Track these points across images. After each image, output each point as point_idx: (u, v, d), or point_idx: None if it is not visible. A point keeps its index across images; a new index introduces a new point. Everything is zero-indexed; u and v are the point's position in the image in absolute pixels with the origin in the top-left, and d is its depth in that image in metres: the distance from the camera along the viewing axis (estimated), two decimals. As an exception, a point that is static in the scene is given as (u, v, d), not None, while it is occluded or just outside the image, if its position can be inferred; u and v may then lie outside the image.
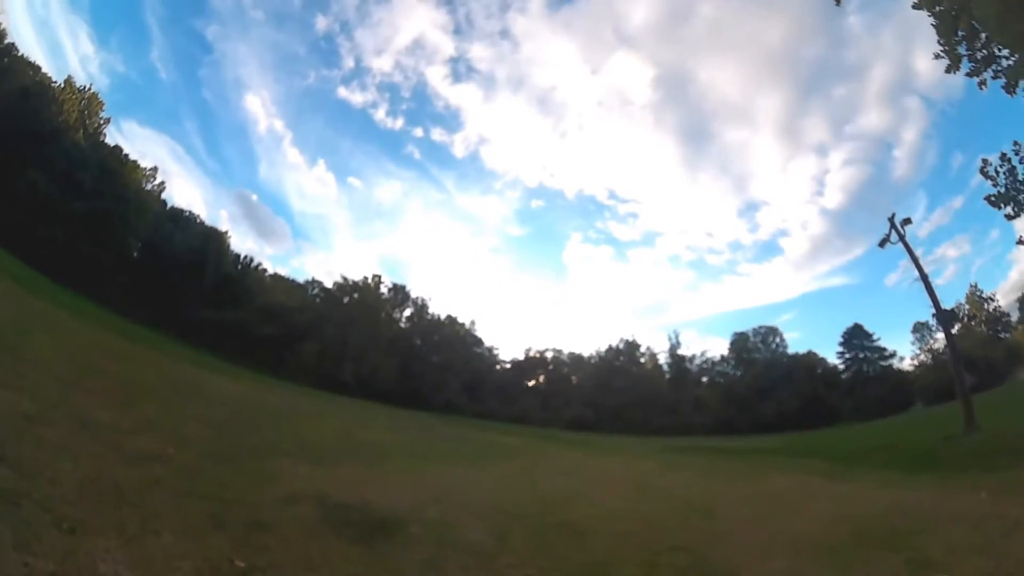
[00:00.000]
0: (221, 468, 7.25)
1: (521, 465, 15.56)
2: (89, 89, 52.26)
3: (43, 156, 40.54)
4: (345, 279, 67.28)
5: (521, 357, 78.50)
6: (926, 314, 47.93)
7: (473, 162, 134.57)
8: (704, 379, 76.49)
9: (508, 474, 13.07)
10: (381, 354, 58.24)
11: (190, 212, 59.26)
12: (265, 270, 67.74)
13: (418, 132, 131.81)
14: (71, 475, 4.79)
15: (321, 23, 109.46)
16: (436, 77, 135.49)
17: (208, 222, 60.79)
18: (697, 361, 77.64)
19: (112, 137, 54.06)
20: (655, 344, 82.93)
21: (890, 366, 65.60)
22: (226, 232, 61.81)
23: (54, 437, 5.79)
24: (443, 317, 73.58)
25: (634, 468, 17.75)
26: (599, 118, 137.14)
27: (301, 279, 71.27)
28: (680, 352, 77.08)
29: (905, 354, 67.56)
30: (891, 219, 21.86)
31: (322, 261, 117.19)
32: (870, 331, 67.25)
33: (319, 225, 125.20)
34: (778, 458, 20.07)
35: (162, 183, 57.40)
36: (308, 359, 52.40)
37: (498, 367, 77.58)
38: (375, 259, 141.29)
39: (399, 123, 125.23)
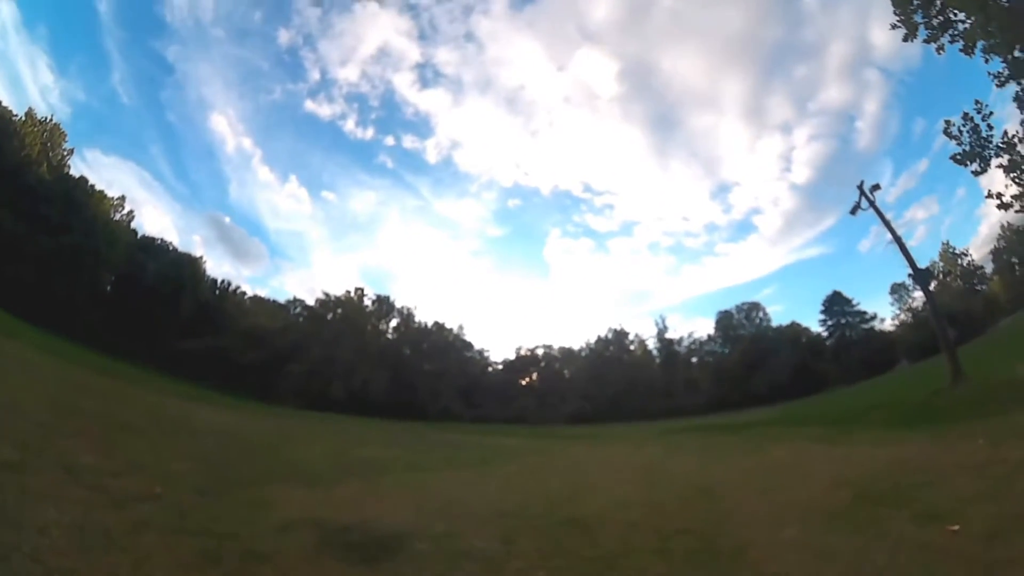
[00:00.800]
0: (212, 502, 7.10)
1: (524, 466, 15.53)
2: (51, 120, 51.15)
3: (7, 192, 39.77)
4: (327, 295, 67.32)
5: (513, 357, 79.19)
6: (902, 275, 49.64)
7: (447, 167, 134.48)
8: (694, 360, 77.74)
9: (512, 476, 13.00)
10: (370, 368, 57.92)
11: (162, 240, 58.50)
12: (244, 293, 67.23)
13: (389, 140, 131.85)
14: (59, 523, 4.65)
15: (284, 37, 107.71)
16: (404, 84, 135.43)
17: (181, 248, 60.09)
18: (685, 343, 79.07)
19: (77, 168, 53.39)
20: (643, 331, 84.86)
21: (872, 328, 67.86)
22: (200, 257, 61.34)
23: (39, 485, 5.65)
24: (431, 324, 73.87)
25: (636, 455, 17.87)
26: (568, 114, 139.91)
27: (282, 299, 71.34)
28: (668, 336, 78.63)
29: (886, 315, 70.44)
30: (860, 187, 22.50)
31: (302, 279, 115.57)
32: (849, 297, 69.83)
33: (296, 242, 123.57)
34: (774, 429, 20.47)
35: (131, 212, 56.53)
36: (296, 380, 51.76)
37: (491, 369, 78.09)
38: (356, 272, 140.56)
39: (369, 133, 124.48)
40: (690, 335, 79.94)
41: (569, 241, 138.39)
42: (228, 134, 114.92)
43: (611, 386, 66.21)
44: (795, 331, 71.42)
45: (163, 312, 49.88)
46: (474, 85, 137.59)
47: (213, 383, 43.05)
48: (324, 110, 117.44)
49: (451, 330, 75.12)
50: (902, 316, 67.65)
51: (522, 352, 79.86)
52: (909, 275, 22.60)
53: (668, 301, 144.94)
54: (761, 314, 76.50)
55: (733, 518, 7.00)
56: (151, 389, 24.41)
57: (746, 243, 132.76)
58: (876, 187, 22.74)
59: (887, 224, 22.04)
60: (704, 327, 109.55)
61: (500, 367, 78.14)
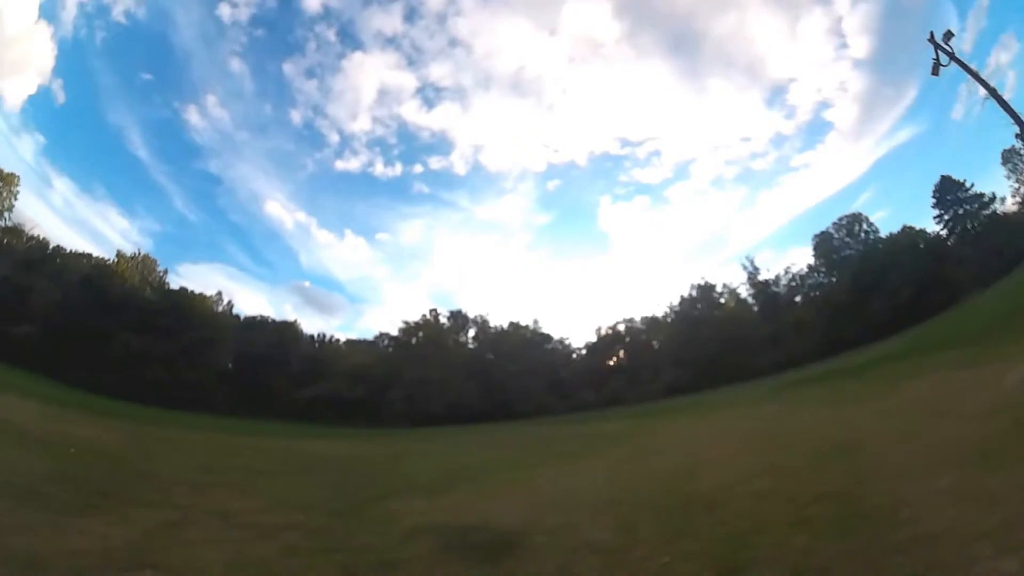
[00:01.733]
0: (345, 521, 7.78)
1: (629, 449, 15.13)
2: (140, 253, 62.61)
3: (125, 319, 49.32)
4: (407, 323, 70.99)
5: (594, 339, 76.69)
6: (1010, 137, 38.93)
7: (477, 173, 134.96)
8: (797, 299, 67.16)
9: (618, 461, 12.71)
10: (459, 380, 60.63)
11: (260, 316, 68.39)
12: (338, 340, 75.14)
13: (417, 169, 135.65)
14: (218, 561, 5.35)
15: (295, 116, 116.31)
16: (411, 113, 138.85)
17: (277, 318, 69.71)
18: (783, 281, 68.32)
19: (175, 282, 63.92)
20: (731, 279, 75.71)
21: (995, 212, 54.10)
22: (295, 321, 71.02)
23: (197, 535, 6.50)
24: (506, 327, 74.50)
25: (752, 418, 16.70)
26: (577, 74, 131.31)
27: (370, 336, 76.60)
28: (761, 278, 68.54)
29: (1004, 193, 54.95)
30: (931, 39, 19.00)
31: (382, 315, 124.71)
32: (960, 180, 55.87)
33: (367, 285, 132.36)
34: (906, 362, 18.13)
35: (229, 302, 67.48)
36: (398, 404, 55.65)
37: (575, 356, 76.67)
38: (426, 295, 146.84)
39: (398, 169, 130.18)
40: (786, 271, 68.23)
41: (622, 204, 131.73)
42: (283, 214, 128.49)
43: (706, 348, 59.65)
44: (909, 237, 58.59)
45: (276, 373, 58.70)
46: (475, 85, 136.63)
47: (328, 421, 48.92)
48: (352, 164, 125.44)
49: (527, 327, 75.01)
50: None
51: (603, 332, 76.53)
52: (1017, 135, 18.82)
53: (751, 239, 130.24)
54: (864, 226, 64.26)
55: (877, 473, 6.24)
56: (279, 438, 27.88)
57: (824, 146, 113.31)
58: (949, 35, 18.98)
59: (975, 76, 18.56)
60: (801, 258, 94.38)
61: (584, 352, 76.03)
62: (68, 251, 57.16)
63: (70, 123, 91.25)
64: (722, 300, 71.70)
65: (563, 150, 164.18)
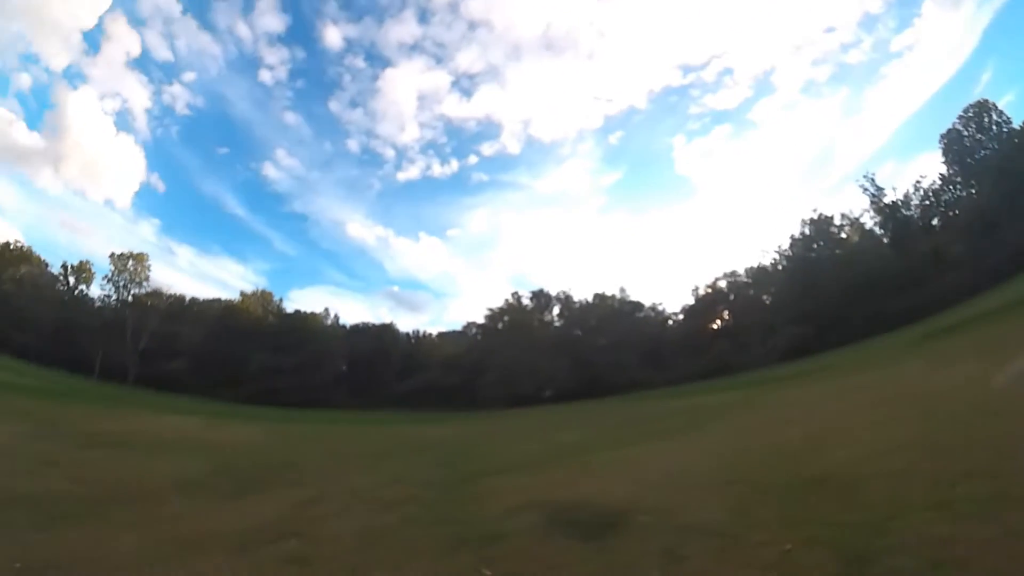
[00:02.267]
0: (454, 496, 8.42)
1: (741, 422, 14.10)
2: (258, 289, 78.11)
3: (256, 343, 63.65)
4: (491, 309, 72.74)
5: (692, 301, 69.40)
6: None
7: (532, 147, 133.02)
8: (934, 221, 53.77)
9: (730, 436, 11.96)
10: (549, 358, 60.62)
11: (363, 323, 78.38)
12: (430, 334, 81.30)
13: (472, 160, 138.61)
14: (348, 530, 6.19)
15: (352, 144, 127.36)
16: (453, 107, 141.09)
17: (376, 322, 78.72)
18: (914, 201, 54.32)
19: (289, 307, 77.31)
20: (849, 206, 64.20)
21: None
22: (391, 323, 79.09)
23: (331, 509, 7.55)
24: (590, 300, 72.03)
25: (889, 379, 14.67)
26: (610, 11, 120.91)
27: (458, 327, 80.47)
28: (887, 200, 55.06)
29: None
30: None
31: (467, 304, 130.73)
32: None
33: (448, 280, 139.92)
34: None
35: (335, 315, 78.67)
36: (492, 388, 57.77)
37: (671, 323, 70.84)
38: (506, 280, 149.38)
39: (454, 165, 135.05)
40: (916, 187, 54.08)
41: (699, 141, 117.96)
42: (363, 231, 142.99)
43: (828, 296, 49.22)
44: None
45: (381, 369, 67.68)
46: (506, 59, 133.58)
47: (429, 408, 53.57)
48: (412, 172, 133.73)
49: (613, 297, 71.53)
50: None
51: (701, 292, 68.13)
52: None
53: (864, 151, 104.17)
54: (992, 114, 51.48)
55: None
56: (389, 425, 31.28)
57: (922, 20, 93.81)
58: None
59: None
60: (931, 166, 77.59)
61: (681, 317, 69.47)
62: (201, 299, 74.28)
63: (174, 203, 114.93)
64: (843, 235, 58.24)
65: (617, 97, 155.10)
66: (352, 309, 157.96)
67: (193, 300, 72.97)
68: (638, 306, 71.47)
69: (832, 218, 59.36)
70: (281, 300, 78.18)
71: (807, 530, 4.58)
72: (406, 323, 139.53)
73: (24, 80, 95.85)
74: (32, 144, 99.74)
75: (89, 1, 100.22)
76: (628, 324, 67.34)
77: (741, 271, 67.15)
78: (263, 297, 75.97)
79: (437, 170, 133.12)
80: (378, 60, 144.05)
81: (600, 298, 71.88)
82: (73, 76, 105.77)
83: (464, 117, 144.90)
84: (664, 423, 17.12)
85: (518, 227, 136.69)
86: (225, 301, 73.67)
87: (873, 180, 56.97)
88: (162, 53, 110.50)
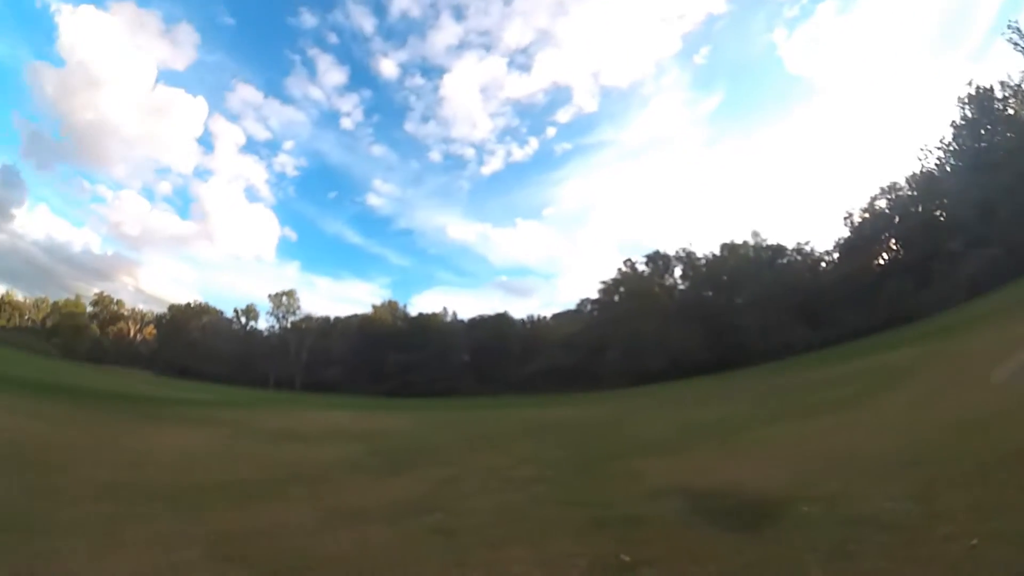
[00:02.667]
0: (588, 478, 8.38)
1: (923, 385, 11.78)
2: (386, 300, 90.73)
3: (390, 346, 73.27)
4: (604, 282, 69.46)
5: (847, 233, 53.83)
6: None
7: (608, 98, 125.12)
8: None
9: (910, 404, 10.07)
10: (677, 326, 54.75)
11: (479, 316, 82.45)
12: (544, 317, 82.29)
13: (550, 132, 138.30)
14: (486, 507, 6.54)
15: (435, 155, 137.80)
16: (517, 88, 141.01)
17: (491, 313, 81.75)
18: None
19: (413, 311, 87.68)
20: (1004, 71, 45.72)
21: None
22: (505, 312, 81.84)
23: (470, 487, 8.05)
24: (717, 253, 62.17)
25: None
26: None
27: (572, 305, 79.19)
28: None
29: None
30: None
31: (576, 281, 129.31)
32: None
33: (553, 260, 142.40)
34: None
35: (453, 312, 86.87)
36: (615, 364, 55.55)
37: (824, 265, 56.47)
38: (616, 249, 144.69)
39: (534, 144, 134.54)
40: None
41: (802, 27, 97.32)
42: (463, 231, 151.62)
43: (1018, 197, 35.58)
44: None
45: (501, 357, 71.02)
46: (552, 18, 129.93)
47: (551, 390, 54.04)
48: (495, 163, 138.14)
49: (744, 244, 60.53)
50: None
51: (856, 219, 52.72)
52: None
53: None
54: None
55: None
56: (514, 408, 32.25)
57: None
58: None
59: None
60: None
61: (836, 256, 55.70)
62: (342, 317, 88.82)
63: (306, 246, 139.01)
64: (1009, 110, 43.23)
65: (689, 9, 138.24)
66: (466, 304, 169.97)
67: (336, 318, 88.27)
68: (778, 251, 58.30)
69: (992, 90, 43.73)
70: (405, 306, 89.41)
71: (999, 522, 3.78)
72: (519, 310, 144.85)
73: (165, 187, 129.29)
74: (188, 229, 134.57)
75: (192, 114, 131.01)
76: (769, 275, 55.07)
77: (901, 182, 51.04)
78: (390, 306, 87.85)
79: (518, 154, 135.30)
80: (433, 71, 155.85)
81: (729, 249, 61.21)
82: (202, 173, 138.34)
83: (530, 93, 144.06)
84: (825, 393, 14.76)
85: (615, 188, 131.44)
86: (361, 315, 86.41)
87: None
88: (261, 134, 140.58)
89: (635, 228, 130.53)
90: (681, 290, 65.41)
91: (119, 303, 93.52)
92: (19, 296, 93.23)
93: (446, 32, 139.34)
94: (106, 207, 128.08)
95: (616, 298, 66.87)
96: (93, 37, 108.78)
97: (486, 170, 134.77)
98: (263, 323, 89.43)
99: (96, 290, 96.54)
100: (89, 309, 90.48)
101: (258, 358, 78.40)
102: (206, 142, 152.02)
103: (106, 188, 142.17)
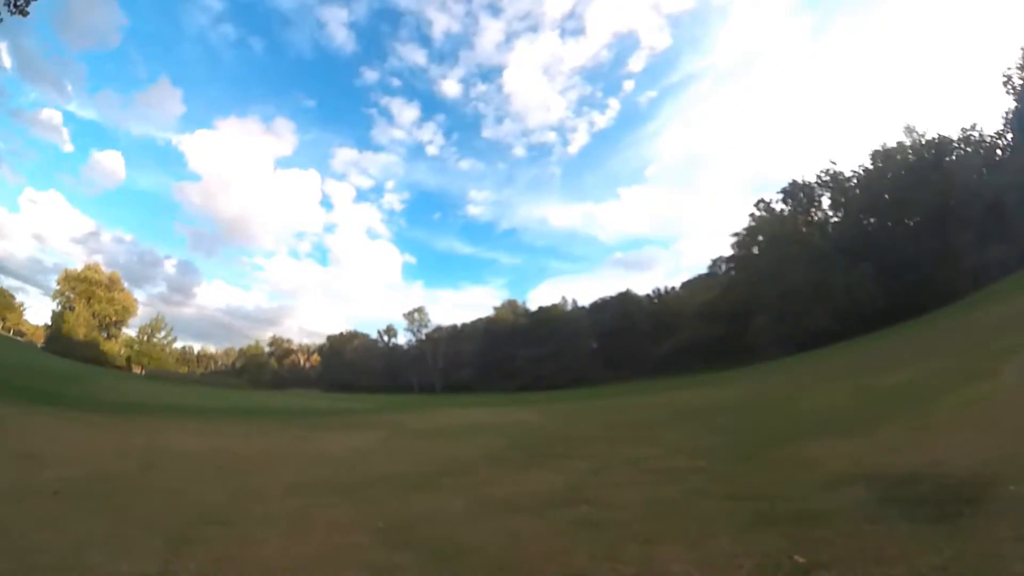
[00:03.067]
0: (751, 467, 7.58)
1: None
2: (506, 300, 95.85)
3: (517, 342, 75.87)
4: (737, 233, 59.12)
5: (1012, 102, 41.72)
6: None
7: (679, 27, 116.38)
8: None
9: None
10: (838, 271, 44.48)
11: (600, 299, 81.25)
12: (673, 288, 77.32)
13: (628, 86, 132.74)
14: (636, 500, 6.24)
15: (519, 151, 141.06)
16: (576, 55, 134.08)
17: (612, 294, 79.61)
18: None
19: (532, 305, 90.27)
20: None
21: None
22: (627, 290, 79.33)
23: (615, 479, 7.81)
24: (869, 165, 48.41)
25: None
26: None
27: (703, 269, 71.47)
28: None
29: None
30: None
31: (699, 243, 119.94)
32: None
33: (670, 222, 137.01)
34: None
35: (573, 300, 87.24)
36: (768, 330, 48.03)
37: (998, 153, 43.72)
38: (741, 192, 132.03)
39: (614, 105, 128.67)
40: None
41: None
42: (567, 215, 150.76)
43: None
44: None
45: (630, 338, 67.98)
46: None
47: (694, 368, 49.84)
48: (580, 137, 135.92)
49: (900, 146, 46.06)
50: None
51: (1018, 79, 41.75)
52: None
53: None
54: None
55: None
56: (653, 393, 30.74)
57: None
58: None
59: None
60: None
61: (1010, 139, 44.20)
62: (468, 322, 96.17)
63: (426, 266, 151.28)
64: None
65: None
66: (585, 289, 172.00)
67: (463, 324, 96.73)
68: (943, 146, 44.08)
69: None
70: (524, 303, 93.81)
71: None
72: (642, 285, 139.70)
73: (305, 245, 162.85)
74: (330, 274, 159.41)
75: (309, 184, 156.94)
76: (938, 180, 42.53)
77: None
78: (511, 305, 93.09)
79: (601, 121, 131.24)
80: (491, 73, 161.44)
81: (882, 157, 47.51)
82: (329, 227, 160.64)
83: (592, 54, 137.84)
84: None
85: (721, 122, 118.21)
86: (485, 318, 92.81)
87: None
88: (366, 183, 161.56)
89: (759, 162, 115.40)
90: (835, 223, 51.94)
91: (288, 341, 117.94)
92: (212, 349, 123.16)
93: (490, 32, 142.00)
94: (264, 271, 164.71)
95: (755, 250, 56.21)
96: (213, 151, 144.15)
97: (572, 149, 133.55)
98: (402, 338, 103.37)
99: (270, 334, 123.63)
100: (266, 349, 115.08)
101: (402, 368, 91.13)
102: (326, 203, 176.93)
103: (261, 257, 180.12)
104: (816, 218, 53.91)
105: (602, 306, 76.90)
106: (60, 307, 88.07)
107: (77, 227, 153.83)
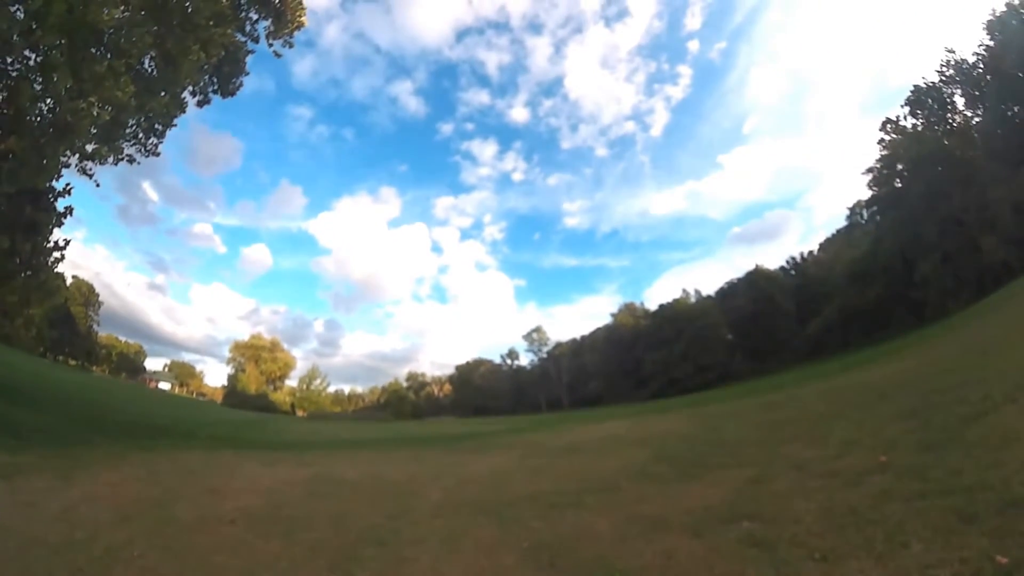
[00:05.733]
0: (941, 455, 6.57)
1: None
2: (622, 304, 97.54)
3: (650, 343, 74.85)
4: (870, 169, 49.83)
5: None
6: None
7: None
8: None
9: None
10: (1004, 182, 35.83)
11: (728, 283, 76.62)
12: (812, 252, 69.14)
13: (693, 46, 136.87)
14: (807, 511, 5.65)
15: (600, 151, 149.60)
16: (629, 36, 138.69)
17: (740, 275, 74.74)
18: None
19: (651, 304, 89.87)
20: None
21: None
22: (756, 266, 73.01)
23: (780, 487, 7.09)
24: (987, 42, 39.90)
25: None
26: None
27: (843, 221, 62.53)
28: None
29: None
30: None
31: (833, 190, 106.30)
32: None
33: (791, 178, 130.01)
34: None
35: (695, 290, 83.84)
36: (936, 279, 39.95)
37: None
38: (863, 118, 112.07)
39: (686, 72, 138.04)
40: None
41: None
42: (669, 201, 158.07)
43: None
44: None
45: (773, 321, 62.25)
46: None
47: (859, 344, 42.85)
48: (660, 117, 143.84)
49: None
50: None
51: None
52: None
53: None
54: None
55: None
56: (812, 381, 27.43)
57: None
58: None
59: None
60: None
61: None
62: (587, 334, 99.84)
63: (535, 287, 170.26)
64: None
65: None
66: (710, 276, 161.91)
67: (583, 337, 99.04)
68: None
69: None
70: (642, 303, 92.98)
71: None
72: (774, 257, 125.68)
73: (425, 289, 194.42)
74: (450, 310, 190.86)
75: (419, 235, 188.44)
76: None
77: None
78: (629, 308, 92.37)
79: (676, 92, 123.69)
80: (553, 85, 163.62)
81: (999, 25, 39.83)
82: (443, 268, 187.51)
83: (645, 29, 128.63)
84: None
85: (807, 47, 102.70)
86: (604, 326, 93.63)
87: None
88: (466, 222, 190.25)
89: (866, 74, 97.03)
90: (978, 125, 42.31)
91: (423, 375, 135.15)
92: (359, 389, 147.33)
93: (538, 50, 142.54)
94: (394, 317, 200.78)
95: (898, 183, 47.26)
96: (336, 228, 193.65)
97: (655, 131, 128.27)
98: (524, 359, 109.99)
99: (406, 371, 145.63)
100: (404, 384, 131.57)
101: (528, 388, 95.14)
102: (436, 248, 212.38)
103: (390, 306, 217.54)
104: (956, 124, 44.11)
105: (731, 291, 70.82)
106: (234, 370, 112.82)
107: (240, 307, 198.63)
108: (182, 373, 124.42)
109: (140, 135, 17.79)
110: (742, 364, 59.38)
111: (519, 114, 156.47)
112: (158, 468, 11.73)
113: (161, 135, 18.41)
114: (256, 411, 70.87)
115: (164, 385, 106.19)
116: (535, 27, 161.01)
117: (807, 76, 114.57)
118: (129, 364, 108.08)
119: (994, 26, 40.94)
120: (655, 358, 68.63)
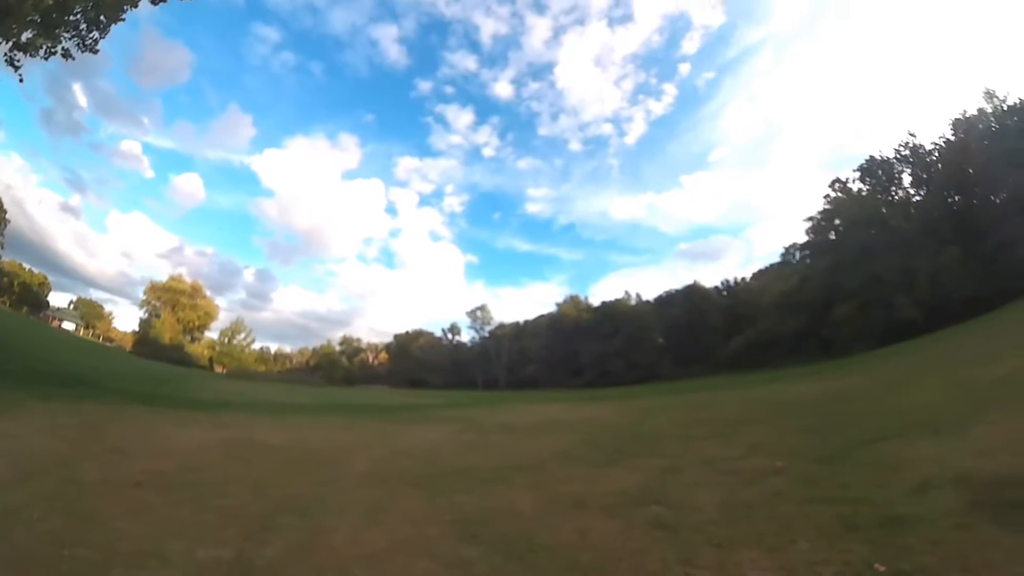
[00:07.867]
0: (835, 468, 7.31)
1: None
2: (568, 296, 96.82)
3: (589, 335, 75.65)
4: (812, 218, 56.04)
5: None
6: None
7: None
8: None
9: None
10: (925, 254, 41.32)
11: (666, 292, 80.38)
12: (744, 279, 74.55)
13: (684, 69, 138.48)
14: (710, 502, 6.23)
15: (574, 145, 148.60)
16: (627, 42, 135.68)
17: (679, 287, 78.52)
18: None
19: (595, 300, 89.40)
20: None
21: None
22: (694, 282, 77.38)
23: (689, 479, 7.78)
24: (947, 138, 44.80)
25: None
26: None
27: (777, 258, 67.35)
28: None
29: None
30: None
31: (773, 228, 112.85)
32: None
33: (737, 210, 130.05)
34: None
35: (637, 294, 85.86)
36: (850, 322, 44.80)
37: None
38: (815, 171, 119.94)
39: (671, 91, 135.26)
40: None
41: None
42: (629, 207, 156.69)
43: None
44: None
45: (700, 332, 66.44)
46: None
47: (774, 364, 47.14)
48: (637, 127, 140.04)
49: (981, 113, 43.98)
50: None
51: None
52: None
53: None
54: None
55: None
56: (728, 390, 29.59)
57: None
58: None
59: None
60: None
61: None
62: (532, 319, 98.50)
63: (488, 265, 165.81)
64: None
65: None
66: (651, 283, 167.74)
67: (527, 321, 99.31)
68: None
69: None
70: (587, 297, 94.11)
71: None
72: (711, 276, 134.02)
73: (372, 251, 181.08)
74: (396, 276, 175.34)
75: (374, 193, 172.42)
76: None
77: None
78: (574, 301, 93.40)
79: (657, 108, 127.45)
80: (542, 71, 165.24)
81: (963, 127, 43.55)
82: (394, 232, 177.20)
83: (643, 40, 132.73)
84: None
85: (786, 95, 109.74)
86: (548, 314, 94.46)
87: None
88: (427, 188, 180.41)
89: (831, 137, 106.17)
90: (917, 203, 48.27)
91: (358, 340, 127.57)
92: (287, 349, 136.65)
93: (537, 30, 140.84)
94: (336, 276, 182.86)
95: (832, 235, 53.34)
96: (284, 169, 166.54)
97: (629, 139, 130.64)
98: (465, 336, 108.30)
99: (341, 334, 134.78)
100: (338, 348, 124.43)
101: (466, 365, 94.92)
102: (391, 209, 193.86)
103: (333, 264, 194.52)
104: (897, 197, 50.06)
105: (668, 300, 75.27)
106: (147, 315, 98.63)
107: (162, 244, 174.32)
108: (89, 313, 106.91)
109: (82, 26, 15.30)
110: (669, 366, 63.46)
111: (503, 89, 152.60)
112: (62, 422, 10.52)
113: (105, 29, 15.73)
114: (170, 363, 64.46)
115: (68, 325, 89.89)
116: (539, 6, 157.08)
117: (778, 124, 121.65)
118: (32, 297, 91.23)
119: (960, 124, 45.78)
120: (592, 350, 71.43)
